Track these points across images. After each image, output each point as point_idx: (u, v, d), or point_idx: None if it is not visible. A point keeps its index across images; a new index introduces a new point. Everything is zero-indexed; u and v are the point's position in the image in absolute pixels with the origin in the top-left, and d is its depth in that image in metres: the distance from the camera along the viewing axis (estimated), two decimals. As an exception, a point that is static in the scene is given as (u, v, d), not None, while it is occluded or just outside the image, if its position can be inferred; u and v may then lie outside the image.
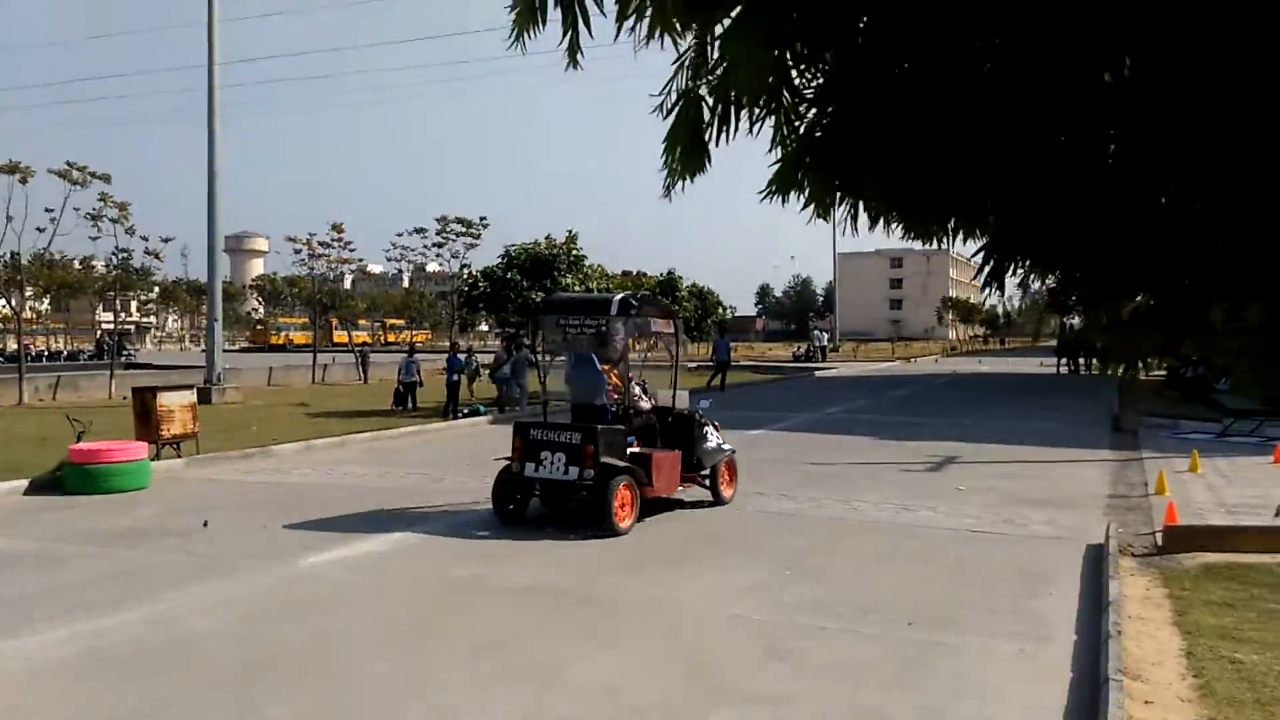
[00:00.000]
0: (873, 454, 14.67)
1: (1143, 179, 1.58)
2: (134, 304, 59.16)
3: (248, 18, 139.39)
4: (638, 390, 10.49)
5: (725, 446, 10.50)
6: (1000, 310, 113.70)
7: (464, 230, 37.53)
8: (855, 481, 11.94)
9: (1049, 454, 14.56)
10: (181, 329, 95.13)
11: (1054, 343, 47.75)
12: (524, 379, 22.08)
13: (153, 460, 11.89)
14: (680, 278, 28.20)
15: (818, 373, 40.24)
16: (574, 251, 25.03)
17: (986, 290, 2.19)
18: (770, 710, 4.87)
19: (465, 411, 20.86)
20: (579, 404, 10.06)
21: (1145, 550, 8.18)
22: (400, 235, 39.37)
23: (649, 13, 1.36)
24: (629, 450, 9.39)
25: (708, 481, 10.23)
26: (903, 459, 13.97)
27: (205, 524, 9.08)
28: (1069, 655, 5.66)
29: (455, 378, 20.88)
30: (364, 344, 45.10)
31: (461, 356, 22.60)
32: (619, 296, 10.38)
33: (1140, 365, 2.55)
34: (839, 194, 1.54)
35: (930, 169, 1.39)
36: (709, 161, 1.66)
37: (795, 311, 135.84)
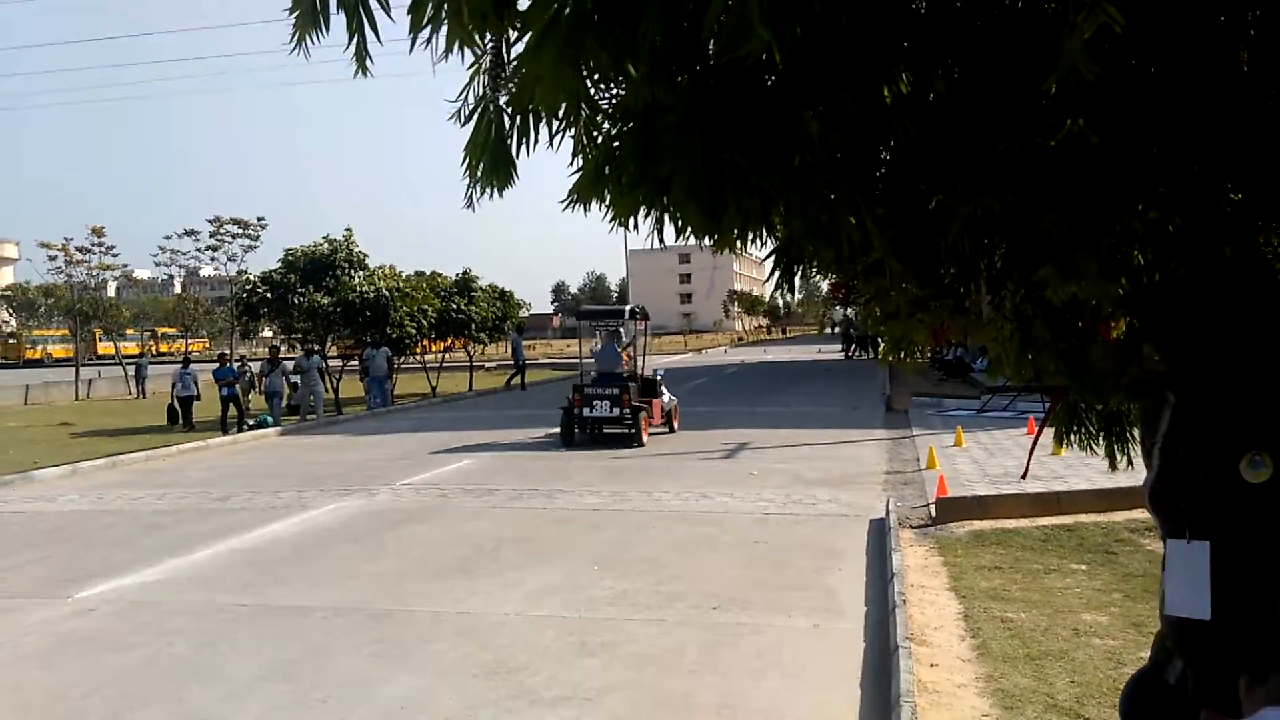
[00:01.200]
0: (671, 445, 15.03)
1: (910, 186, 1.70)
2: None
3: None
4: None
5: (673, 398, 16.79)
6: (781, 302, 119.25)
7: (241, 232, 35.61)
8: (656, 473, 12.20)
9: (832, 436, 15.40)
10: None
11: (835, 331, 52.32)
12: (319, 385, 21.17)
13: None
14: (476, 277, 27.79)
15: (614, 367, 40.80)
16: (354, 249, 24.19)
17: (778, 290, 2.28)
18: (579, 708, 4.89)
19: (251, 424, 19.79)
20: (604, 372, 15.60)
21: (921, 522, 8.82)
22: (170, 238, 37.01)
23: (445, 24, 1.33)
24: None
25: (666, 420, 16.13)
26: (699, 448, 14.40)
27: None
28: (860, 626, 6.01)
29: (225, 391, 19.73)
30: (139, 355, 41.90)
31: (235, 366, 21.38)
32: (629, 306, 16.63)
33: (913, 351, 2.73)
34: (640, 206, 1.57)
35: (719, 182, 1.43)
36: (515, 174, 1.64)
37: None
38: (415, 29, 1.32)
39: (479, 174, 1.63)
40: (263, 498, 11.32)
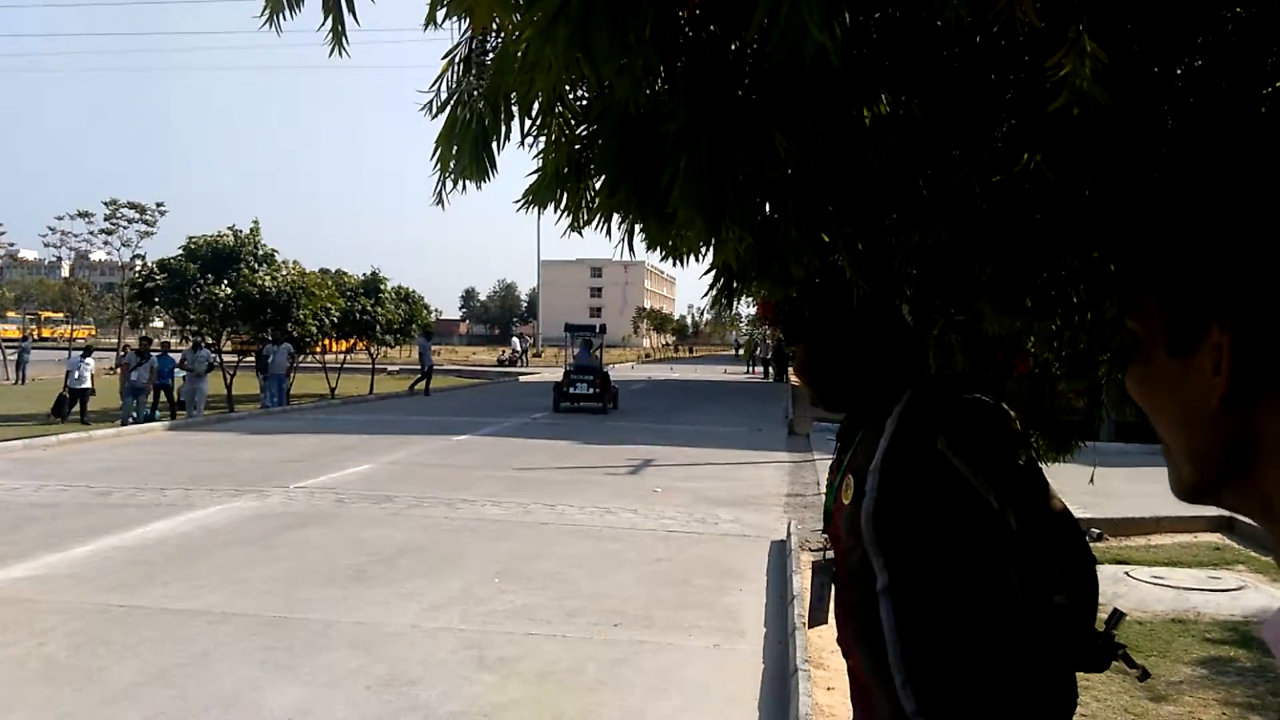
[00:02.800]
0: (576, 458, 14.95)
1: (879, 210, 1.72)
2: None
3: None
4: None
5: (615, 387, 24.53)
6: (690, 322, 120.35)
7: (137, 216, 34.16)
8: (560, 486, 12.10)
9: (735, 456, 15.54)
10: None
11: (740, 352, 54.25)
12: (204, 382, 20.35)
13: None
14: (385, 279, 27.22)
15: (522, 378, 40.53)
16: (259, 243, 23.46)
17: (716, 305, 2.27)
18: (479, 723, 4.79)
19: (135, 418, 18.97)
20: (581, 365, 23.63)
21: (820, 545, 8.94)
22: (61, 219, 35.22)
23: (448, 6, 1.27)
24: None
25: (612, 401, 23.67)
26: (604, 463, 14.35)
27: None
28: (760, 647, 6.04)
29: (170, 380, 19.33)
30: (21, 339, 39.76)
31: (175, 356, 20.51)
32: (599, 324, 26.81)
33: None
34: (613, 211, 1.53)
35: (721, 191, 1.41)
36: (493, 168, 1.58)
37: (499, 316, 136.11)
38: (434, 7, 1.26)
39: (450, 167, 1.56)
40: (148, 494, 10.83)
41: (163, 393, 20.41)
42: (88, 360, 19.93)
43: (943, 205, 1.89)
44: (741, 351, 59.75)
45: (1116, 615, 1.83)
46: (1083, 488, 10.72)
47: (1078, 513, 1.99)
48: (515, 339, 60.99)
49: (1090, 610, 1.78)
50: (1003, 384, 3.02)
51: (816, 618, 2.27)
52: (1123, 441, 14.02)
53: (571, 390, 22.95)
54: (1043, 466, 2.87)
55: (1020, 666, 1.80)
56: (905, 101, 1.67)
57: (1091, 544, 1.87)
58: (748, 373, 47.27)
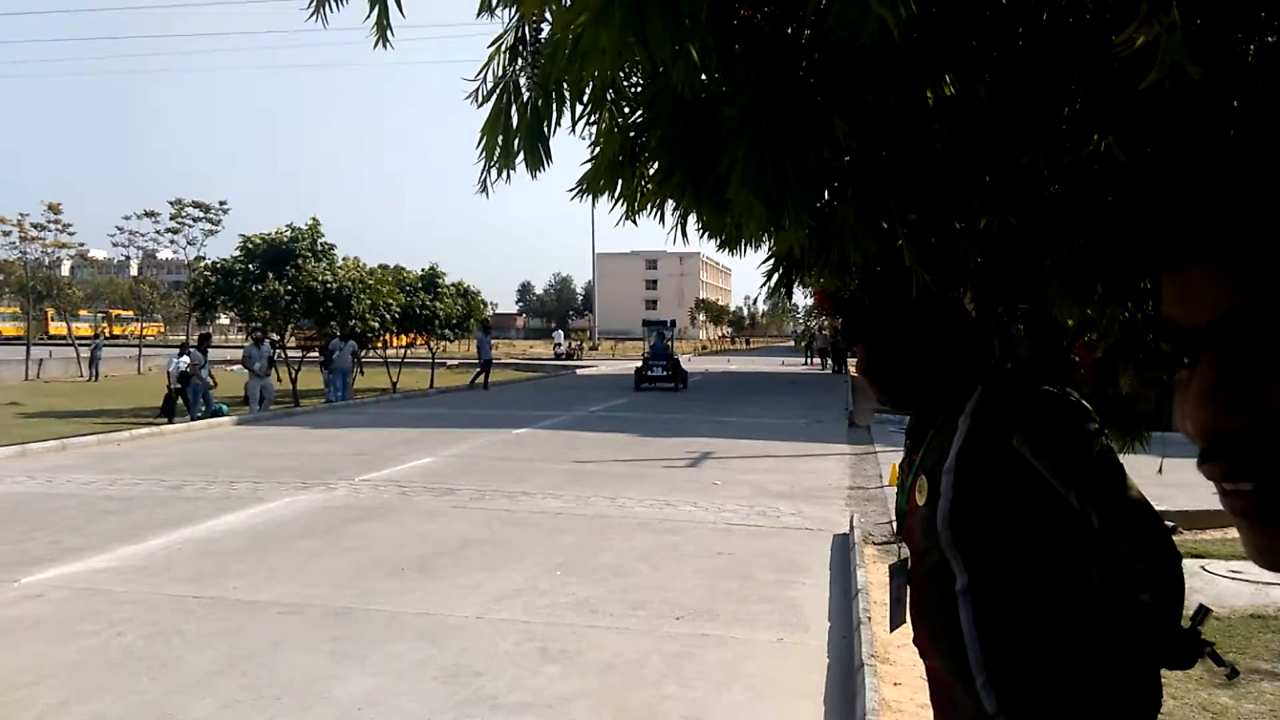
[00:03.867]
0: (635, 451, 14.98)
1: (942, 195, 1.68)
2: None
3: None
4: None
5: (686, 369, 29.65)
6: (746, 313, 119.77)
7: (202, 215, 34.99)
8: (620, 478, 12.13)
9: (794, 448, 15.44)
10: None
11: (798, 344, 54.44)
12: (269, 378, 20.73)
13: None
14: (443, 274, 27.52)
15: (579, 371, 40.74)
16: (319, 239, 23.82)
17: (775, 295, 2.25)
18: (540, 715, 4.81)
19: (203, 411, 19.41)
20: (656, 353, 28.92)
21: (885, 538, 8.85)
22: (129, 218, 36.17)
23: None
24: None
25: (682, 382, 28.39)
26: (663, 455, 14.36)
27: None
28: (824, 642, 5.99)
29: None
30: (93, 337, 41.01)
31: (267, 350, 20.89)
32: (670, 319, 35.40)
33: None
34: (668, 198, 1.52)
35: (783, 177, 1.39)
36: (548, 158, 1.57)
37: (556, 310, 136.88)
38: None
39: (495, 155, 1.56)
40: (218, 487, 11.10)
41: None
42: (184, 357, 20.24)
43: (1009, 189, 1.84)
44: (800, 342, 60.00)
45: (1202, 611, 1.77)
46: (1153, 479, 10.45)
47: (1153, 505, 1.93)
48: (557, 333, 62.23)
49: (1176, 607, 1.73)
50: (1069, 373, 2.94)
51: (897, 620, 2.24)
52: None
53: (649, 374, 28.43)
54: None
55: (1103, 665, 1.76)
56: (969, 82, 1.62)
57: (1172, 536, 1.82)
58: (806, 364, 47.01)
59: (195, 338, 21.03)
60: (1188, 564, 7.33)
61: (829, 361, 42.05)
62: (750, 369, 44.69)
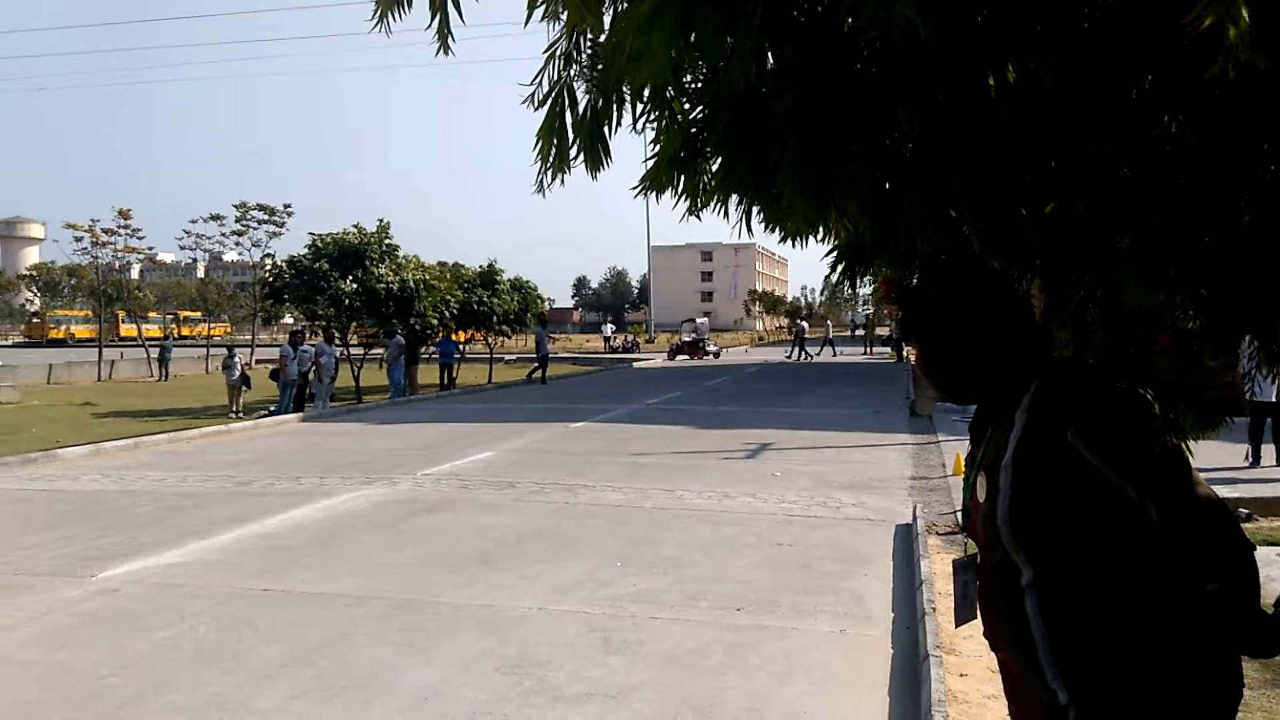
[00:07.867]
0: (693, 443, 14.97)
1: (1009, 183, 1.65)
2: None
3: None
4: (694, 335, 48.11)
5: (713, 349, 47.96)
6: (803, 304, 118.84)
7: (266, 218, 35.75)
8: (678, 471, 12.14)
9: (854, 439, 15.29)
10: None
11: (855, 334, 55.77)
12: (332, 372, 21.09)
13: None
14: (501, 270, 27.76)
15: (635, 364, 40.83)
16: (386, 241, 24.19)
17: (840, 285, 2.23)
18: (603, 705, 4.84)
19: (271, 410, 19.86)
20: (692, 339, 47.19)
21: (948, 529, 8.73)
22: (195, 222, 37.11)
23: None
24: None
25: (711, 356, 45.48)
26: (721, 447, 14.33)
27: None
28: (888, 633, 5.94)
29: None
30: (163, 338, 42.21)
31: (310, 348, 21.26)
32: (692, 316, 62.57)
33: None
34: (729, 193, 1.52)
35: (827, 171, 1.38)
36: (608, 157, 1.58)
37: (612, 303, 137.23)
38: (532, 6, 1.27)
39: (550, 158, 1.57)
40: (284, 483, 11.34)
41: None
42: (305, 348, 20.57)
43: (1077, 173, 1.79)
44: (859, 332, 60.05)
45: None
46: (1232, 465, 10.12)
47: (1226, 492, 1.88)
48: (607, 326, 63.33)
49: (1251, 595, 1.69)
50: (1147, 360, 2.86)
51: (963, 616, 2.23)
52: (1272, 417, 13.18)
53: (681, 352, 45.04)
54: (1191, 444, 2.72)
55: (1174, 655, 1.72)
56: (1033, 68, 1.59)
57: (1241, 525, 1.77)
58: (865, 354, 46.92)
59: (286, 336, 21.57)
60: (1265, 551, 7.12)
61: (898, 351, 41.55)
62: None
